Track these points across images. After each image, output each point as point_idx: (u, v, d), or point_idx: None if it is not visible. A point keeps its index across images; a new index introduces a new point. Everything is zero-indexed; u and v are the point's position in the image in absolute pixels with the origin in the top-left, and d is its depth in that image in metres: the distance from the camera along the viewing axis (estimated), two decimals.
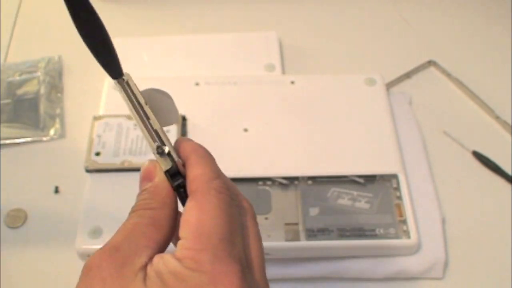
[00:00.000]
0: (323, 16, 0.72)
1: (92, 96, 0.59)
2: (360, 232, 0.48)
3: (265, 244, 0.47)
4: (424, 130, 0.58)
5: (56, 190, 0.54)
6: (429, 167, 0.54)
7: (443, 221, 0.51)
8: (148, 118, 0.29)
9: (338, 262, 0.48)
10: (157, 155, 0.28)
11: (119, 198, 0.49)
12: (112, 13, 0.70)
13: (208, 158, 0.29)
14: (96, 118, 0.54)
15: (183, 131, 0.53)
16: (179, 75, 0.60)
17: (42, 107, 0.61)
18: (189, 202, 0.27)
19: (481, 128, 0.60)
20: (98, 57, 0.28)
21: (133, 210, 0.27)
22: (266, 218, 0.49)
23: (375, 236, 0.47)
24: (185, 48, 0.65)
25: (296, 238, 0.47)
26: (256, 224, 0.29)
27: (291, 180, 0.51)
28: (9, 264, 0.49)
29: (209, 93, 0.57)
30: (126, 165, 0.50)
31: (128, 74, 0.30)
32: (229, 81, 0.58)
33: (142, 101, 0.30)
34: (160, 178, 0.28)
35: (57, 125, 0.59)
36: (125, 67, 0.71)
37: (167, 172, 0.28)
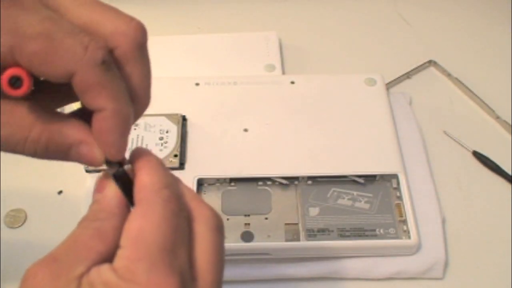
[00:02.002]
0: (323, 16, 0.72)
1: None
2: (360, 232, 0.48)
3: (265, 244, 0.47)
4: (424, 130, 0.58)
5: (60, 192, 0.54)
6: (429, 167, 0.54)
7: (443, 221, 0.51)
8: None
9: (338, 262, 0.48)
10: (107, 163, 0.27)
11: None
12: None
13: (158, 166, 0.28)
14: None
15: (183, 131, 0.53)
16: (179, 75, 0.60)
17: None
18: (133, 211, 0.26)
19: (481, 128, 0.60)
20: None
21: (81, 221, 0.27)
22: (266, 218, 0.49)
23: (375, 236, 0.47)
24: (185, 48, 0.65)
25: (296, 238, 0.47)
26: (216, 235, 0.27)
27: (291, 180, 0.51)
28: (9, 264, 0.49)
29: (209, 93, 0.57)
30: None
31: None
32: (229, 81, 0.58)
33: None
34: (110, 189, 0.27)
35: None
36: None
37: (114, 176, 0.27)
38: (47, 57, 0.23)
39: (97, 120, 0.25)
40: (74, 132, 0.26)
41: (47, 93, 0.27)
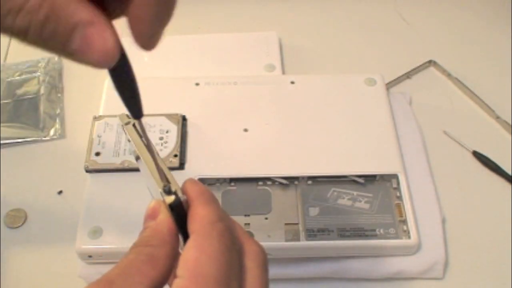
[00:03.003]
0: (323, 16, 0.72)
1: (92, 96, 0.59)
2: (360, 232, 0.48)
3: (265, 244, 0.47)
4: (424, 130, 0.58)
5: (60, 192, 0.54)
6: (429, 167, 0.54)
7: (443, 221, 0.51)
8: (155, 159, 0.29)
9: (338, 262, 0.48)
10: (163, 193, 0.28)
11: (119, 198, 0.49)
12: None
13: (213, 200, 0.29)
14: (96, 118, 0.54)
15: (183, 131, 0.53)
16: (179, 75, 0.60)
17: (42, 107, 0.61)
18: (189, 242, 0.27)
19: (481, 128, 0.60)
20: (123, 98, 0.27)
21: (133, 247, 0.28)
22: (266, 218, 0.49)
23: (375, 236, 0.47)
24: (185, 48, 0.65)
25: (296, 238, 0.47)
26: (264, 271, 0.29)
27: (291, 180, 0.51)
28: (9, 264, 0.49)
29: (209, 93, 0.57)
30: (126, 165, 0.50)
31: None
32: (229, 81, 0.58)
33: (149, 141, 0.30)
34: (163, 216, 0.28)
35: (57, 125, 0.60)
36: None
37: (170, 206, 0.28)
38: None
39: (137, 4, 0.22)
40: (84, 10, 0.21)
41: None
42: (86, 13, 0.21)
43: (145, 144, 0.30)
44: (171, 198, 0.28)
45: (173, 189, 0.28)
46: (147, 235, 0.28)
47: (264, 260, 0.29)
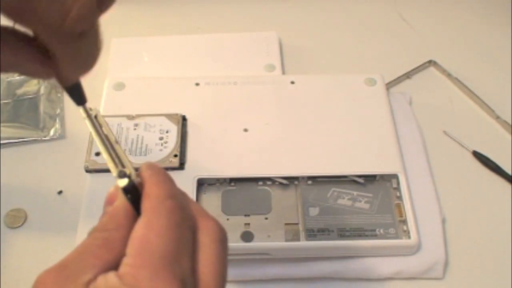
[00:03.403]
0: (323, 16, 0.72)
1: (92, 96, 0.59)
2: (360, 232, 0.48)
3: (265, 244, 0.47)
4: (424, 130, 0.58)
5: (60, 192, 0.54)
6: (429, 167, 0.54)
7: (443, 221, 0.51)
8: (110, 145, 0.30)
9: (338, 262, 0.48)
10: (117, 177, 0.28)
11: None
12: (112, 13, 0.70)
13: (165, 179, 0.29)
14: (96, 118, 0.54)
15: (183, 131, 0.53)
16: (179, 75, 0.60)
17: (42, 107, 0.61)
18: (139, 220, 0.27)
19: (481, 128, 0.60)
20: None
21: (91, 232, 0.28)
22: (266, 218, 0.49)
23: (375, 236, 0.47)
24: (185, 48, 0.65)
25: (296, 238, 0.47)
26: (220, 247, 0.28)
27: (291, 180, 0.51)
28: (9, 264, 0.49)
29: (209, 93, 0.57)
30: None
31: (95, 109, 0.32)
32: (229, 81, 0.58)
33: (109, 131, 0.31)
34: (119, 201, 0.28)
35: (57, 125, 0.60)
36: (125, 67, 0.71)
37: (123, 190, 0.28)
38: None
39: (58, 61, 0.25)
40: None
41: None
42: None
43: (102, 136, 0.31)
44: (124, 181, 0.28)
45: (127, 172, 0.28)
46: (104, 220, 0.28)
47: (220, 236, 0.29)
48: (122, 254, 0.26)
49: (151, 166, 0.29)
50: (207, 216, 0.29)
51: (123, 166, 0.29)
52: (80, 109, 0.32)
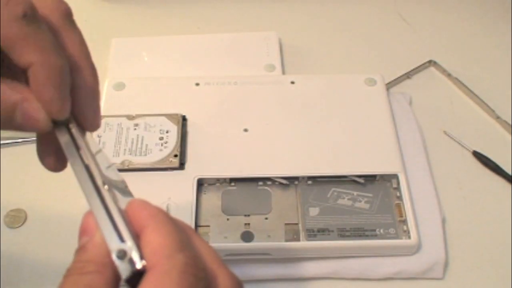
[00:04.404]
0: (323, 16, 0.72)
1: None
2: (360, 232, 0.48)
3: (265, 244, 0.47)
4: (424, 130, 0.58)
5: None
6: (429, 167, 0.54)
7: (443, 221, 0.51)
8: (98, 190, 0.24)
9: (338, 262, 0.48)
10: (116, 259, 0.23)
11: None
12: (112, 13, 0.70)
13: (169, 224, 0.23)
14: None
15: (183, 131, 0.53)
16: (179, 75, 0.60)
17: None
18: (144, 283, 0.22)
19: (481, 128, 0.60)
20: None
21: (68, 274, 0.24)
22: (266, 218, 0.49)
23: (375, 236, 0.47)
24: (185, 48, 0.65)
25: (296, 238, 0.47)
26: None
27: (291, 180, 0.51)
28: (9, 264, 0.49)
29: (209, 93, 0.57)
30: (126, 165, 0.50)
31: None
32: (229, 81, 0.58)
33: (93, 157, 0.25)
34: (98, 236, 0.24)
35: None
36: (125, 67, 0.71)
37: (127, 282, 0.22)
38: None
39: (30, 76, 0.25)
40: (16, 91, 0.25)
41: None
42: (20, 92, 0.25)
43: (83, 160, 0.25)
44: (126, 269, 0.22)
45: (127, 250, 0.22)
46: (82, 259, 0.24)
47: None
48: None
49: (146, 207, 0.24)
50: (225, 270, 0.24)
51: (119, 235, 0.23)
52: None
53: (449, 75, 0.64)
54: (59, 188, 0.55)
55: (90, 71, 0.27)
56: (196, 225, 0.47)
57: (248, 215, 0.49)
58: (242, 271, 0.47)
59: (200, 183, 0.50)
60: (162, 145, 0.51)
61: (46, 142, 0.29)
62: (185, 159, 0.51)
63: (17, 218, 0.52)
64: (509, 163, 0.56)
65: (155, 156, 0.51)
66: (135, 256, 0.22)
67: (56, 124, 0.26)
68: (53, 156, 0.29)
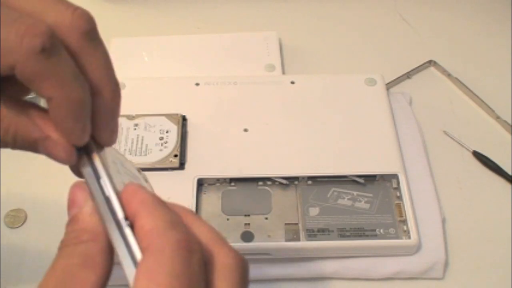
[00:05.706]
0: (323, 16, 0.72)
1: None
2: (360, 232, 0.48)
3: (265, 244, 0.47)
4: (424, 130, 0.58)
5: None
6: (429, 167, 0.54)
7: (443, 221, 0.51)
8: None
9: (338, 262, 0.48)
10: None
11: None
12: (112, 13, 0.70)
13: (160, 207, 0.24)
14: None
15: (183, 131, 0.53)
16: (179, 75, 0.60)
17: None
18: (138, 267, 0.22)
19: (481, 128, 0.60)
20: None
21: (63, 246, 0.24)
22: (266, 218, 0.49)
23: (375, 236, 0.47)
24: (185, 48, 0.65)
25: (296, 238, 0.47)
26: (240, 282, 0.24)
27: (291, 180, 0.51)
28: (9, 264, 0.49)
29: (209, 93, 0.57)
30: None
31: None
32: (229, 81, 0.58)
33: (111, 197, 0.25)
34: (89, 205, 0.25)
35: None
36: (125, 67, 0.71)
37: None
38: None
39: (50, 109, 0.24)
40: (40, 126, 0.25)
41: (14, 83, 0.24)
42: (43, 128, 0.25)
43: (103, 192, 0.25)
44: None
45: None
46: (74, 229, 0.24)
47: (242, 274, 0.24)
48: (105, 273, 0.23)
49: (137, 193, 0.24)
50: (225, 247, 0.24)
51: (132, 255, 0.22)
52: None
53: (449, 75, 0.64)
54: (59, 188, 0.54)
55: (111, 94, 0.26)
56: None
57: (248, 215, 0.49)
58: None
59: (200, 183, 0.50)
60: (162, 145, 0.51)
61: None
62: (185, 159, 0.51)
63: (17, 218, 0.52)
64: (509, 163, 0.56)
65: (155, 156, 0.51)
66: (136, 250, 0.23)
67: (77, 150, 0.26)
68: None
